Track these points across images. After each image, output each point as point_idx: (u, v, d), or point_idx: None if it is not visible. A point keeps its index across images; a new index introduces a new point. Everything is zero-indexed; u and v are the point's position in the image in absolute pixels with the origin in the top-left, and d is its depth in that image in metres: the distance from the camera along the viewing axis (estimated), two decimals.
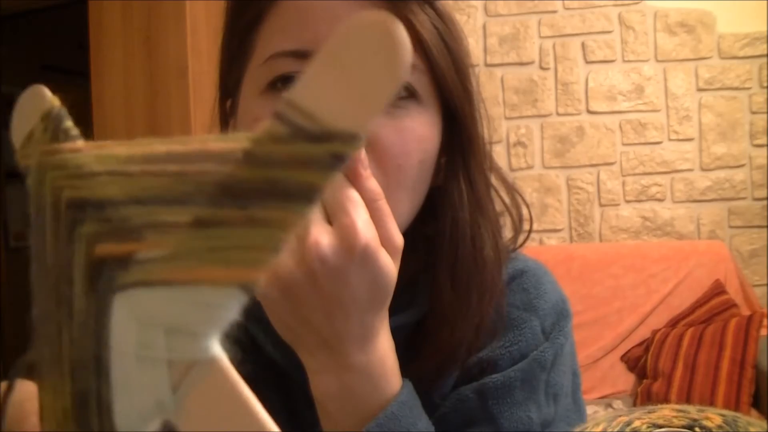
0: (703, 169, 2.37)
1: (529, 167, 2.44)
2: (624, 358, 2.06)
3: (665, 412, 1.66)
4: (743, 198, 2.35)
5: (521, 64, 2.44)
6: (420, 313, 0.47)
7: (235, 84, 0.47)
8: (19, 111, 0.22)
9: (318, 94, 0.14)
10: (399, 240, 0.35)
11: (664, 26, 2.37)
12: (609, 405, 1.91)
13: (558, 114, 2.43)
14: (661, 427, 1.64)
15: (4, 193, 3.59)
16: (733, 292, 2.05)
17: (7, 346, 3.43)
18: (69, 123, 0.20)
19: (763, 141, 2.34)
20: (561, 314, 0.50)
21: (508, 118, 2.45)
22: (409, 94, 0.42)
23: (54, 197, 0.18)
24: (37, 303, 0.18)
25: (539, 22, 2.42)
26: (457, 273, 0.45)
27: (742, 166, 2.35)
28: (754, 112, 2.34)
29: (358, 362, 0.36)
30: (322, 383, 0.36)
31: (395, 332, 0.42)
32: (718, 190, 2.36)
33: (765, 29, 2.30)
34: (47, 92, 0.22)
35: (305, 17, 0.42)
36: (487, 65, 2.45)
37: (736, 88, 2.35)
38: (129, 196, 0.16)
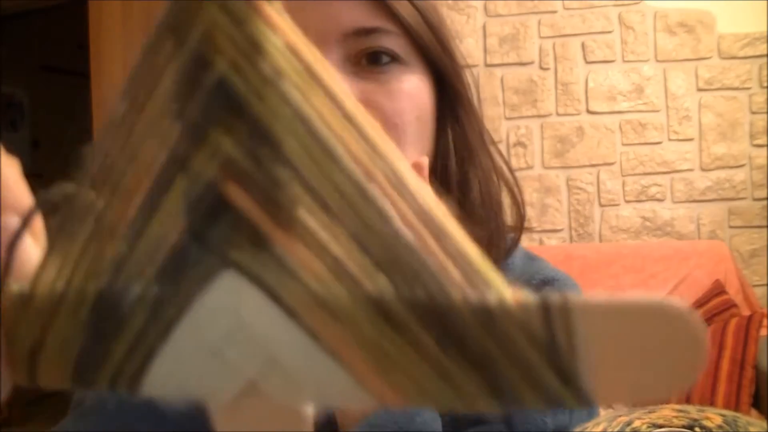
0: (703, 169, 2.37)
1: (529, 167, 2.44)
2: None
3: (665, 412, 1.66)
4: (743, 198, 2.35)
5: (521, 64, 2.44)
6: None
7: None
8: None
9: (585, 338, 0.11)
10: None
11: (664, 26, 2.37)
12: (609, 405, 1.91)
13: (558, 114, 2.43)
14: (661, 427, 1.64)
15: None
16: (733, 292, 2.05)
17: None
18: None
19: (763, 141, 2.34)
20: None
21: (507, 119, 2.45)
22: (392, 57, 0.43)
23: (202, 49, 0.12)
24: (100, 163, 0.14)
25: (539, 23, 2.42)
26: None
27: (742, 166, 2.35)
28: (754, 112, 2.34)
29: None
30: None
31: None
32: (718, 190, 2.36)
33: (765, 29, 2.30)
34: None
35: (295, 15, 0.41)
36: (486, 65, 2.45)
37: (736, 88, 2.35)
38: (312, 175, 0.12)
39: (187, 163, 0.12)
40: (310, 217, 0.12)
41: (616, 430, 1.59)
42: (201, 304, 0.12)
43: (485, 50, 2.45)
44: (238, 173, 0.12)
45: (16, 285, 0.14)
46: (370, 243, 0.12)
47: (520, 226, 0.52)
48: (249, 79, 0.12)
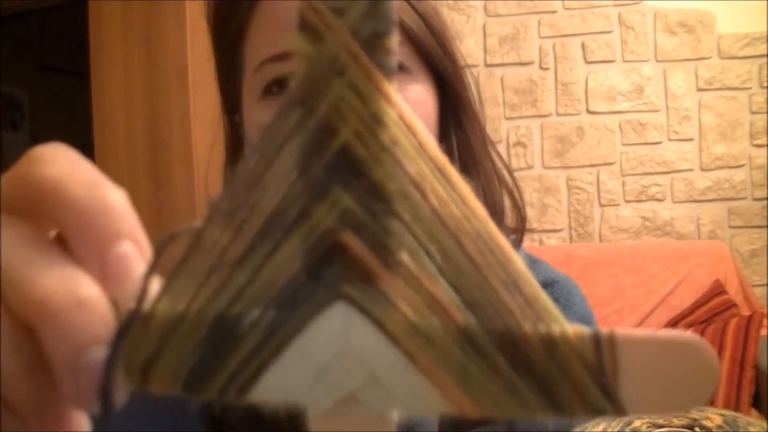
0: (703, 169, 2.37)
1: (529, 167, 2.44)
2: None
3: None
4: (743, 198, 2.35)
5: (521, 64, 2.44)
6: None
7: (236, 97, 0.49)
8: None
9: (625, 366, 0.15)
10: None
11: (664, 26, 2.37)
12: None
13: (558, 114, 2.43)
14: (661, 426, 1.64)
15: None
16: (733, 292, 2.05)
17: None
18: (393, 51, 0.15)
19: (763, 141, 2.34)
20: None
21: (507, 118, 2.45)
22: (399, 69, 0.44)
23: (329, 120, 0.15)
24: (220, 208, 0.16)
25: (539, 22, 2.42)
26: None
27: (742, 166, 2.36)
28: (754, 112, 2.34)
29: None
30: None
31: None
32: (718, 190, 2.36)
33: (765, 29, 2.30)
34: None
35: (283, 21, 0.43)
36: (486, 65, 2.45)
37: (736, 88, 2.35)
38: (414, 226, 0.15)
39: (309, 212, 0.15)
40: (412, 261, 0.15)
41: (616, 429, 1.59)
42: (313, 329, 0.15)
43: (485, 50, 2.45)
44: (354, 223, 0.15)
45: (133, 304, 0.16)
46: (461, 285, 0.15)
47: (521, 229, 0.53)
48: (369, 146, 0.15)
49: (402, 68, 0.44)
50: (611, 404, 0.15)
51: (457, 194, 0.15)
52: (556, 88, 2.43)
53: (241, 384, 0.16)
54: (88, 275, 0.16)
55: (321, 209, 0.15)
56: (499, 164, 0.54)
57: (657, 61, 2.38)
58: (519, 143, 2.45)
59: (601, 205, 2.42)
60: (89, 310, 0.16)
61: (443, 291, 0.15)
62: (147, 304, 0.16)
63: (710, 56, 2.35)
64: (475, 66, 2.46)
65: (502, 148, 2.45)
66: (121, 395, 0.16)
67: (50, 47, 3.88)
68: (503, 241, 0.15)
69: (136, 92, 2.10)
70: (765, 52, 2.31)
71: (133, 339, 0.16)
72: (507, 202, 0.54)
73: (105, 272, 0.16)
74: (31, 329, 0.16)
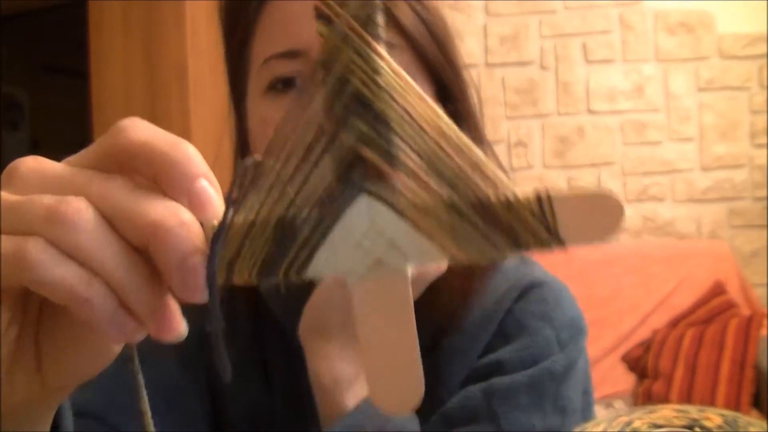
0: (703, 169, 2.37)
1: (530, 167, 2.44)
2: (624, 358, 2.05)
3: (665, 412, 1.66)
4: (744, 198, 2.35)
5: (522, 64, 2.44)
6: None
7: (243, 91, 0.52)
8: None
9: (561, 209, 0.22)
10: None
11: (664, 26, 2.37)
12: (609, 405, 1.91)
13: (558, 114, 2.43)
14: (661, 427, 1.64)
15: None
16: (734, 292, 2.05)
17: None
18: (381, 27, 0.22)
19: (763, 141, 2.34)
20: (577, 329, 0.52)
21: (508, 118, 2.45)
22: None
23: (343, 74, 0.22)
24: (275, 147, 0.23)
25: (539, 22, 2.42)
26: None
27: (743, 166, 2.35)
28: (754, 112, 2.34)
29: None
30: (334, 367, 0.39)
31: None
32: (719, 190, 2.36)
33: (765, 29, 2.30)
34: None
35: (288, 21, 0.47)
36: (487, 65, 2.45)
37: (737, 88, 2.35)
38: (409, 139, 0.22)
39: (335, 138, 0.22)
40: (409, 161, 0.22)
41: (616, 430, 1.59)
42: (347, 217, 0.22)
43: (486, 50, 2.45)
44: (367, 140, 0.22)
45: (216, 220, 0.22)
46: (444, 173, 0.22)
47: None
48: (371, 88, 0.22)
49: None
50: (554, 239, 0.22)
51: (433, 112, 0.22)
52: (556, 88, 2.43)
53: (299, 266, 0.22)
54: (181, 205, 0.22)
55: (343, 134, 0.22)
56: (493, 159, 0.53)
57: (657, 61, 2.38)
58: (520, 143, 2.45)
59: None
60: (189, 228, 0.22)
61: (432, 179, 0.22)
62: (227, 220, 0.22)
63: (710, 56, 2.35)
64: (475, 66, 2.46)
65: (502, 148, 2.45)
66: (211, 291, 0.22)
67: (50, 47, 3.88)
68: (465, 139, 0.22)
69: (136, 92, 2.10)
70: (765, 52, 2.31)
71: (222, 245, 0.22)
72: None
73: (192, 202, 0.22)
74: (143, 250, 0.22)
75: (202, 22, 2.12)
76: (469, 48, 2.45)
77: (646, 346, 2.02)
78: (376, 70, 0.22)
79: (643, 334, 2.06)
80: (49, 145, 3.94)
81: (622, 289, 2.12)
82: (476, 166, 0.22)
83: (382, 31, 0.22)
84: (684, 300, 2.07)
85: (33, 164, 0.23)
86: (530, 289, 0.51)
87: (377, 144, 0.22)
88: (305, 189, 0.22)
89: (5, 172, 0.24)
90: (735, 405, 1.73)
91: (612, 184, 2.40)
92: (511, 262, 0.54)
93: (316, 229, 0.22)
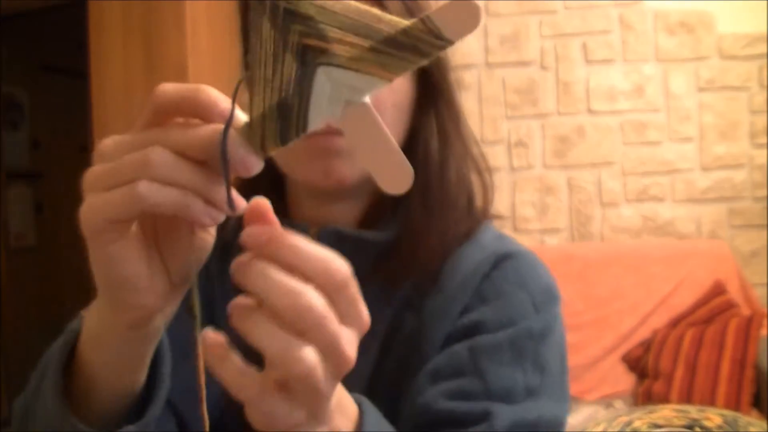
0: (703, 169, 2.37)
1: (530, 167, 2.44)
2: (624, 358, 2.05)
3: (665, 412, 1.66)
4: (743, 198, 2.35)
5: (522, 64, 2.44)
6: (394, 233, 0.56)
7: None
8: None
9: (438, 20, 0.30)
10: (367, 321, 0.34)
11: (664, 26, 2.37)
12: (609, 405, 1.91)
13: (559, 114, 2.43)
14: (661, 427, 1.64)
15: (4, 193, 3.59)
16: (734, 292, 2.05)
17: (8, 345, 3.43)
18: None
19: (763, 141, 2.34)
20: (551, 295, 0.57)
21: (508, 118, 2.45)
22: None
23: (273, 4, 0.32)
24: (254, 63, 0.32)
25: (540, 23, 2.42)
26: (427, 193, 0.56)
27: (742, 166, 2.35)
28: (754, 112, 2.34)
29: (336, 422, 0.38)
30: None
31: (370, 245, 0.54)
32: (719, 190, 2.36)
33: (765, 29, 2.30)
34: None
35: None
36: (487, 65, 2.45)
37: (736, 88, 2.35)
38: (329, 20, 0.32)
39: (287, 41, 0.32)
40: (335, 34, 0.31)
41: (616, 430, 1.59)
42: (316, 83, 0.32)
43: (486, 50, 2.45)
44: (308, 32, 0.31)
45: (240, 120, 0.33)
46: (364, 32, 0.31)
47: (488, 205, 0.61)
48: (292, 2, 0.31)
49: None
50: (443, 40, 0.31)
51: (356, 4, 0.32)
52: (556, 88, 2.43)
53: (301, 126, 0.32)
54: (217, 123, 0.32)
55: (289, 36, 0.32)
56: (472, 147, 0.61)
57: (657, 61, 2.38)
58: (520, 143, 2.45)
59: (602, 205, 2.41)
60: (229, 131, 0.32)
61: (354, 38, 0.31)
62: (244, 117, 0.33)
63: (710, 56, 2.35)
64: (475, 66, 2.46)
65: (502, 148, 2.45)
66: (257, 164, 0.32)
67: (50, 47, 3.88)
68: (367, 7, 0.31)
69: (136, 92, 2.10)
70: (765, 52, 2.31)
71: (251, 135, 0.32)
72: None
73: (224, 116, 0.32)
74: (192, 157, 0.32)
75: (202, 22, 2.12)
76: (469, 48, 2.45)
77: (646, 346, 2.02)
78: None
79: (643, 334, 2.06)
80: (49, 145, 3.94)
81: (622, 289, 2.12)
82: (378, 19, 0.31)
83: None
84: (684, 300, 2.07)
85: (109, 141, 0.34)
86: (505, 259, 0.56)
87: (312, 33, 0.31)
88: (284, 80, 0.32)
89: (95, 153, 0.35)
90: (735, 405, 1.73)
91: (612, 184, 2.41)
92: (488, 235, 0.59)
93: (300, 100, 0.32)
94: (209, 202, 0.32)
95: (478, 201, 0.60)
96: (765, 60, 2.32)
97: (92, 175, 0.34)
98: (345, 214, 0.58)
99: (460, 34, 0.31)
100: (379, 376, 0.55)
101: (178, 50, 2.06)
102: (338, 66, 0.31)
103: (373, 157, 0.33)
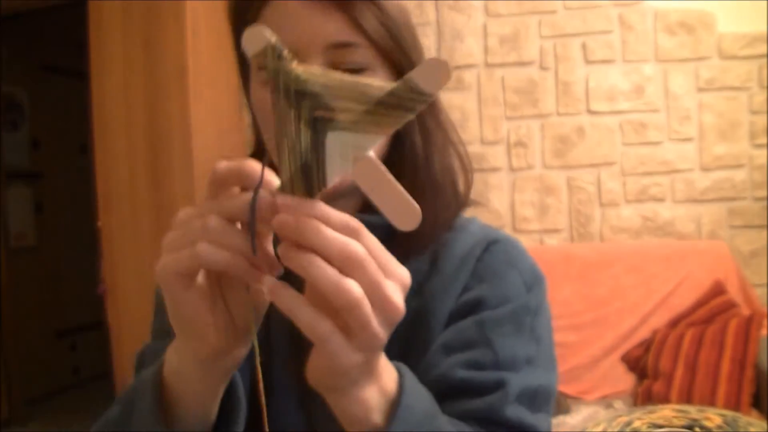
0: (703, 169, 2.37)
1: (530, 167, 2.44)
2: (624, 358, 2.06)
3: (665, 412, 1.66)
4: (743, 198, 2.35)
5: (521, 64, 2.44)
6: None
7: (247, 77, 0.63)
8: (249, 34, 0.40)
9: (416, 79, 0.37)
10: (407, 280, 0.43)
11: (664, 26, 2.37)
12: (609, 405, 1.91)
13: (558, 114, 2.43)
14: (661, 427, 1.64)
15: (4, 193, 3.59)
16: (734, 292, 2.05)
17: (8, 345, 3.43)
18: (287, 51, 0.40)
19: (763, 141, 2.34)
20: (539, 275, 0.63)
21: (508, 118, 2.45)
22: (359, 68, 0.57)
23: (286, 87, 0.39)
24: (279, 135, 0.39)
25: (539, 23, 2.42)
26: (415, 183, 0.60)
27: (743, 166, 2.36)
28: (754, 112, 2.34)
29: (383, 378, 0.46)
30: (363, 400, 0.44)
31: (372, 229, 0.60)
32: (719, 190, 2.36)
33: (765, 29, 2.30)
34: (268, 30, 0.40)
35: (282, 22, 0.57)
36: (487, 65, 2.45)
37: (736, 88, 2.35)
38: (330, 94, 0.38)
39: (300, 114, 0.39)
40: (337, 103, 0.38)
41: (616, 430, 1.59)
42: (328, 146, 0.38)
43: (486, 50, 2.45)
44: (316, 107, 0.39)
45: (274, 183, 0.40)
46: (361, 100, 0.38)
47: (467, 192, 0.67)
48: (299, 83, 0.39)
49: (364, 69, 0.57)
50: (424, 96, 0.37)
51: (337, 74, 0.39)
52: (556, 88, 2.43)
53: (321, 183, 0.38)
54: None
55: (304, 111, 0.39)
56: (452, 135, 0.67)
57: (657, 61, 2.38)
58: (519, 143, 2.45)
59: (602, 205, 2.41)
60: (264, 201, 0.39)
61: (354, 104, 0.38)
62: (277, 181, 0.40)
63: (710, 56, 2.35)
64: (475, 66, 2.46)
65: (502, 148, 2.45)
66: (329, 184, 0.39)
67: (50, 47, 3.88)
68: (355, 77, 0.39)
69: (136, 92, 2.10)
70: (765, 52, 2.31)
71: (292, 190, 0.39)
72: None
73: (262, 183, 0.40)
74: (241, 221, 0.40)
75: (202, 22, 2.12)
76: (469, 48, 2.45)
77: (646, 346, 2.02)
78: (296, 76, 0.39)
79: (643, 334, 2.06)
80: (49, 145, 3.94)
81: (622, 289, 2.12)
82: (369, 86, 0.38)
83: (289, 56, 0.39)
84: (684, 300, 2.07)
85: (182, 213, 0.42)
86: (494, 243, 0.63)
87: (319, 106, 0.38)
88: (302, 147, 0.38)
89: (173, 222, 0.43)
90: (735, 405, 1.73)
91: (612, 184, 2.41)
92: (476, 225, 0.67)
93: (318, 162, 0.38)
94: (252, 263, 0.40)
95: (460, 186, 0.66)
96: (765, 60, 2.32)
97: (167, 239, 0.42)
98: (346, 208, 0.61)
99: (436, 87, 0.37)
100: (385, 353, 0.58)
101: (178, 50, 2.06)
102: (343, 130, 0.38)
103: (383, 200, 0.39)
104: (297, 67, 0.39)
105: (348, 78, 0.38)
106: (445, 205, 0.63)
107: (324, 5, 0.56)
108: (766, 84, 2.32)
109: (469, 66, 2.46)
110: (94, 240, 2.36)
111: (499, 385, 0.55)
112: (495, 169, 2.46)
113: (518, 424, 0.55)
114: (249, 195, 0.39)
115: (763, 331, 1.89)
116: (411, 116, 0.38)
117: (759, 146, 2.34)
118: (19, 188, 3.73)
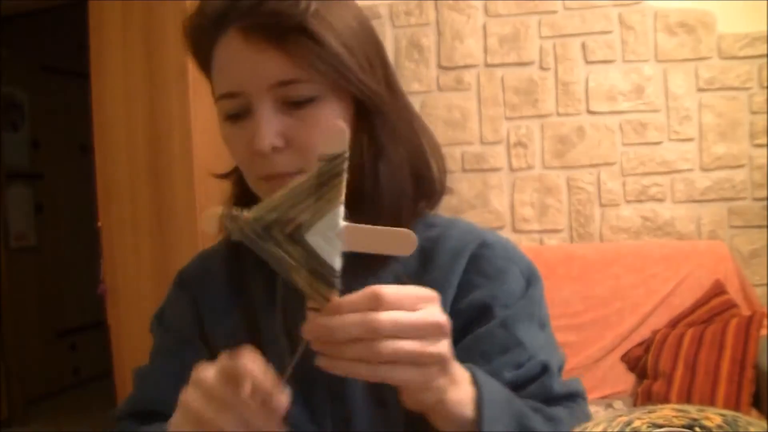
0: (703, 169, 2.37)
1: (530, 167, 2.44)
2: (624, 358, 2.06)
3: (665, 412, 1.65)
4: (743, 198, 2.35)
5: (521, 64, 2.44)
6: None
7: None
8: (204, 219, 0.46)
9: (324, 149, 0.43)
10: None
11: (664, 26, 2.37)
12: (609, 405, 1.91)
13: (558, 114, 2.43)
14: (661, 426, 1.64)
15: (4, 194, 3.59)
16: (734, 292, 2.05)
17: (8, 345, 3.43)
18: (233, 209, 0.46)
19: (763, 141, 2.34)
20: (534, 270, 0.68)
21: (508, 119, 2.45)
22: (308, 99, 0.59)
23: (255, 234, 0.45)
24: (281, 270, 0.45)
25: (539, 23, 2.42)
26: (360, 197, 0.61)
27: (742, 166, 2.36)
28: (754, 112, 2.34)
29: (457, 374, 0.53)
30: (456, 402, 0.51)
31: None
32: (719, 190, 2.36)
33: (765, 29, 2.30)
34: (212, 210, 0.46)
35: (226, 66, 0.61)
36: (487, 65, 2.45)
37: (736, 88, 2.35)
38: (282, 210, 0.44)
39: (278, 240, 0.46)
40: (297, 209, 0.45)
41: (616, 430, 1.59)
42: (313, 245, 0.44)
43: (485, 50, 2.45)
44: (283, 226, 0.46)
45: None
46: (305, 195, 0.45)
47: (442, 190, 0.70)
48: (251, 224, 0.47)
49: (314, 98, 0.59)
50: (335, 158, 0.44)
51: (283, 189, 0.46)
52: (556, 88, 2.43)
53: (329, 271, 0.44)
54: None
55: (278, 235, 0.45)
56: (416, 125, 0.69)
57: (657, 61, 2.38)
58: (519, 143, 2.45)
59: (602, 205, 2.41)
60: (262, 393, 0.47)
61: (304, 202, 0.45)
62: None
63: (710, 56, 2.35)
64: (475, 66, 2.46)
65: (502, 148, 2.45)
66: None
67: (50, 47, 3.88)
68: (296, 180, 0.45)
69: (136, 92, 2.10)
70: (765, 52, 2.31)
71: (312, 302, 0.45)
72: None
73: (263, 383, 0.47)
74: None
75: None
76: (469, 48, 2.45)
77: (646, 346, 2.02)
78: (252, 221, 0.45)
79: (643, 334, 2.06)
80: (49, 145, 3.94)
81: (622, 289, 2.12)
82: (299, 185, 0.44)
83: (237, 211, 0.46)
84: (684, 300, 2.07)
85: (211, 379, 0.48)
86: (490, 241, 0.68)
87: (283, 222, 0.44)
88: (299, 259, 0.44)
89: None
90: (735, 405, 1.73)
91: (611, 184, 2.41)
92: (464, 222, 0.71)
93: (317, 260, 0.44)
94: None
95: (436, 173, 0.69)
96: (765, 60, 2.32)
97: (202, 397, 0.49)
98: None
99: (341, 145, 0.43)
100: None
101: (178, 50, 2.05)
102: (311, 225, 0.43)
103: (378, 246, 0.44)
104: (248, 214, 0.45)
105: (282, 190, 0.44)
106: (409, 198, 0.66)
107: (261, 47, 0.58)
108: (766, 84, 2.32)
109: (468, 66, 2.46)
110: (94, 240, 2.36)
111: (543, 370, 0.62)
112: (495, 169, 2.46)
113: (568, 393, 0.64)
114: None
115: (763, 331, 1.88)
116: (344, 176, 0.43)
117: (759, 146, 2.34)
118: (19, 188, 3.73)
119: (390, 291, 0.44)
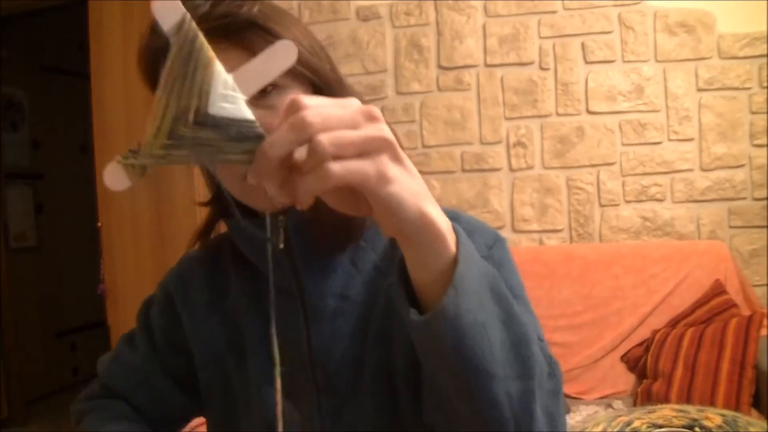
0: (703, 169, 2.37)
1: (529, 167, 2.44)
2: (624, 359, 2.06)
3: (665, 412, 1.66)
4: (743, 198, 2.35)
5: (521, 64, 2.44)
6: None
7: None
8: (163, 7, 0.41)
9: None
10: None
11: (664, 26, 2.37)
12: (609, 405, 1.91)
13: (558, 114, 2.43)
14: (661, 427, 1.64)
15: (4, 194, 3.59)
16: (734, 292, 2.05)
17: (8, 345, 3.43)
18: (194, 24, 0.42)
19: (763, 141, 2.34)
20: (498, 237, 0.69)
21: (508, 119, 2.45)
22: (272, 86, 0.61)
23: (163, 145, 0.41)
24: (167, 83, 0.41)
25: (539, 23, 2.42)
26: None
27: (742, 166, 2.36)
28: (754, 112, 2.34)
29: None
30: (433, 213, 0.47)
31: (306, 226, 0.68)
32: (718, 190, 2.36)
33: (765, 29, 2.30)
34: (180, 4, 0.41)
35: None
36: (487, 65, 2.45)
37: (736, 88, 2.35)
38: (173, 118, 0.40)
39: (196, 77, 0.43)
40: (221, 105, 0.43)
41: (616, 430, 1.59)
42: (212, 104, 0.41)
43: (485, 50, 2.45)
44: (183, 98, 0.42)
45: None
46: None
47: None
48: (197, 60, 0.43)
49: (278, 86, 0.61)
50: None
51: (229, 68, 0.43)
52: (556, 89, 2.43)
53: (201, 110, 0.42)
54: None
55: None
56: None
57: (657, 61, 2.38)
58: (519, 143, 2.45)
59: (601, 205, 2.41)
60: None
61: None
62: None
63: (710, 56, 2.35)
64: (475, 66, 2.46)
65: (502, 148, 2.45)
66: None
67: (50, 47, 3.88)
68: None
69: (136, 92, 2.10)
70: (765, 52, 2.31)
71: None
72: None
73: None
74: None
75: None
76: (468, 48, 2.45)
77: (645, 346, 2.02)
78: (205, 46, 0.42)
79: (642, 334, 2.06)
80: (49, 145, 3.94)
81: (622, 289, 2.12)
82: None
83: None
84: (684, 300, 2.07)
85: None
86: (456, 216, 0.67)
87: (186, 121, 0.41)
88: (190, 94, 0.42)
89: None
90: (735, 405, 1.73)
91: (611, 184, 2.41)
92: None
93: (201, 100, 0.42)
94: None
95: None
96: (765, 60, 2.32)
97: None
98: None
99: (176, 17, 0.41)
100: (365, 329, 0.67)
101: None
102: (207, 99, 0.41)
103: (267, 71, 0.44)
104: (144, 138, 0.42)
105: (158, 91, 0.41)
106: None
107: (221, 47, 0.59)
108: (766, 84, 2.32)
109: (468, 66, 2.46)
110: (94, 240, 2.36)
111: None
112: (494, 170, 2.46)
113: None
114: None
115: (763, 331, 1.88)
116: (201, 35, 0.41)
117: (759, 146, 2.34)
118: (19, 188, 3.73)
119: (311, 99, 0.41)
